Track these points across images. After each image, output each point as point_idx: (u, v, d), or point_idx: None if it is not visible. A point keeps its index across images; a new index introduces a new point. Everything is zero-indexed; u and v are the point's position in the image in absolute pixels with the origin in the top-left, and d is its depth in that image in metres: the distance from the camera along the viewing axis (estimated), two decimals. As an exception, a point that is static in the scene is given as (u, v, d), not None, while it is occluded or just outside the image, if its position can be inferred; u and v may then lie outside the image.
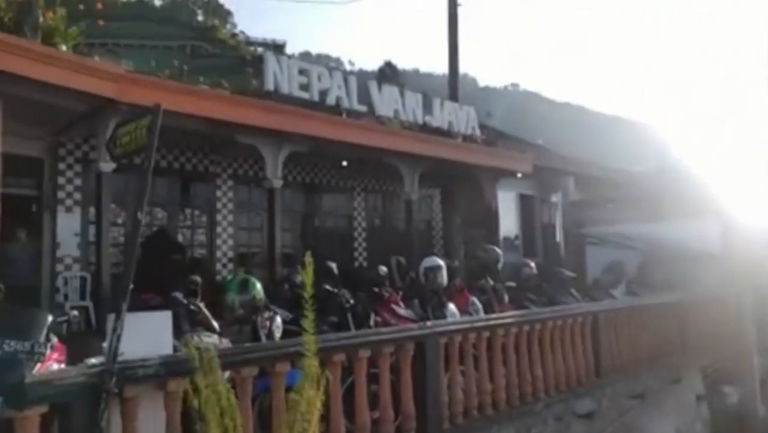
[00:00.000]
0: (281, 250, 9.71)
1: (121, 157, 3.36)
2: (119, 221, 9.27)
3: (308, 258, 2.48)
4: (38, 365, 3.13)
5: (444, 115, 11.40)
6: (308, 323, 2.49)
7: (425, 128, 11.02)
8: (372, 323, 5.44)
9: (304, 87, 9.56)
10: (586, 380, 6.38)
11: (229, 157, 10.65)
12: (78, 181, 8.81)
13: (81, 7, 7.43)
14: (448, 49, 14.60)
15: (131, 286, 7.12)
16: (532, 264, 8.53)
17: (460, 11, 14.71)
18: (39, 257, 8.43)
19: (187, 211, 10.33)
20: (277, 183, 9.46)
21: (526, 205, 15.27)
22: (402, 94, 10.68)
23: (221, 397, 2.43)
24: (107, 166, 7.50)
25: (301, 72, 9.54)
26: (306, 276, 2.45)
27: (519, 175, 12.85)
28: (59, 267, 8.51)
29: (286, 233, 10.89)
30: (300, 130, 9.25)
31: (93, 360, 3.25)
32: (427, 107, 11.12)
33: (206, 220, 10.61)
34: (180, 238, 10.14)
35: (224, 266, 10.63)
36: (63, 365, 3.27)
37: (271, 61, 9.21)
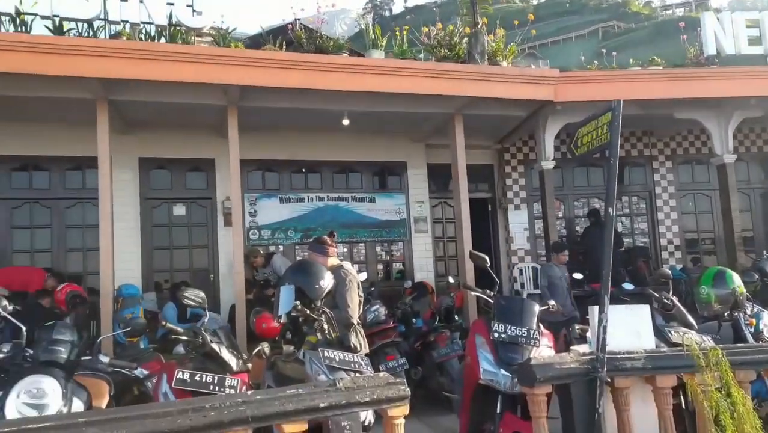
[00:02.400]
0: (739, 233, 8.45)
1: (583, 155, 3.52)
2: (560, 214, 9.81)
3: None
4: (534, 349, 3.60)
5: None
6: None
7: None
8: None
9: (755, 41, 8.09)
10: None
11: (666, 136, 9.94)
12: (522, 181, 9.77)
13: (516, 22, 8.18)
14: None
15: (581, 276, 7.37)
16: None
17: None
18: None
19: (624, 199, 10.12)
20: (729, 158, 8.31)
21: None
22: None
23: (737, 402, 2.25)
24: (548, 164, 8.07)
25: (751, 25, 8.08)
26: None
27: None
28: (514, 259, 9.60)
29: (743, 214, 9.45)
30: (752, 92, 7.88)
31: (578, 348, 3.52)
32: None
33: (645, 206, 10.17)
34: (619, 227, 10.02)
35: (671, 254, 9.96)
36: (553, 351, 3.64)
37: (709, 21, 8.13)
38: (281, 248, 8.73)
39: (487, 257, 4.12)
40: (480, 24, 7.71)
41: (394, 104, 7.31)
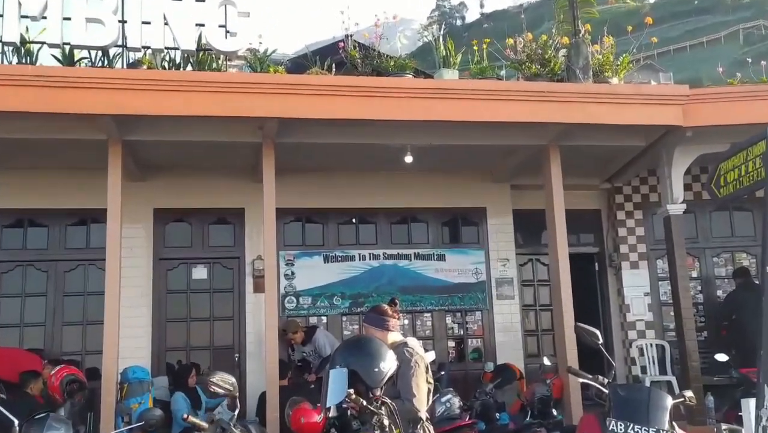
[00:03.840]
0: None
1: (730, 199, 3.48)
2: (693, 273, 9.50)
3: None
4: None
5: None
6: None
7: None
8: None
9: None
10: None
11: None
12: (640, 231, 9.59)
13: (629, 27, 8.23)
14: None
15: (725, 358, 7.06)
16: None
17: None
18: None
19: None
20: None
21: None
22: None
23: None
24: (676, 208, 7.89)
25: None
26: None
27: None
28: (632, 334, 9.32)
29: None
30: None
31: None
32: None
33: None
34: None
35: None
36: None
37: None
38: (324, 319, 8.87)
39: (598, 332, 4.07)
40: (582, 32, 7.79)
41: (471, 136, 7.44)
